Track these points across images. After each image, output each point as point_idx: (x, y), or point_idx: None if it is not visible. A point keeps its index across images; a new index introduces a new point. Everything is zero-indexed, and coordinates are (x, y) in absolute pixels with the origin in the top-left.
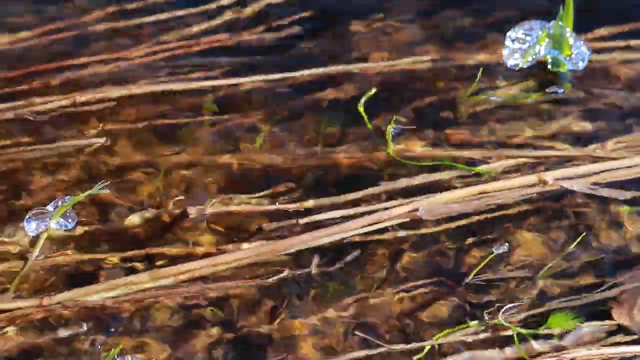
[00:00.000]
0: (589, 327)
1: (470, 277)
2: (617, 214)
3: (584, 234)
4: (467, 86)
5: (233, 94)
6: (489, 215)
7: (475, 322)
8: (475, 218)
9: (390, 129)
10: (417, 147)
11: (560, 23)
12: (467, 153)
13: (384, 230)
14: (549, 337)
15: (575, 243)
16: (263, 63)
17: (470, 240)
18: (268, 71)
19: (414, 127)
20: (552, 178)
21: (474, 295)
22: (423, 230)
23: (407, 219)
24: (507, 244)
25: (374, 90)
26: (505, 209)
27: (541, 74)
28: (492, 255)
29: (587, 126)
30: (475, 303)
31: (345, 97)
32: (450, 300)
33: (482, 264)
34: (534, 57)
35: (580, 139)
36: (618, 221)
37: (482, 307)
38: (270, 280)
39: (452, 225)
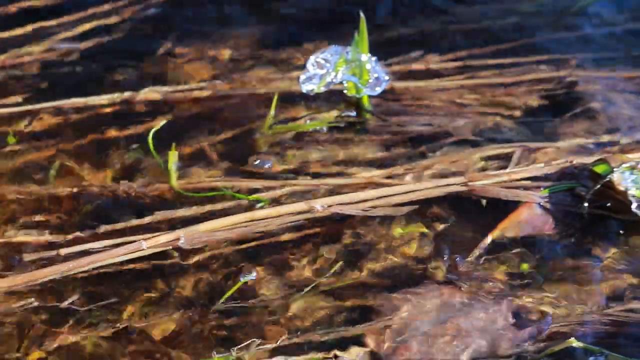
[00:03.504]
0: (344, 354)
1: (219, 303)
2: (392, 239)
3: (340, 262)
4: (268, 113)
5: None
6: (257, 243)
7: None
8: (244, 245)
9: (173, 161)
10: (205, 178)
11: (356, 49)
12: (255, 182)
13: (148, 258)
14: None
15: (335, 267)
16: (71, 89)
17: (234, 267)
18: (74, 97)
19: (209, 155)
20: (324, 204)
21: (226, 322)
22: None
23: (170, 247)
24: (254, 271)
25: (163, 122)
26: (274, 236)
27: (342, 100)
28: (239, 283)
29: (381, 152)
30: (228, 331)
31: (152, 126)
32: (200, 327)
33: (231, 291)
34: (330, 82)
35: (373, 165)
36: (393, 246)
37: (232, 335)
38: (21, 311)
39: (218, 252)
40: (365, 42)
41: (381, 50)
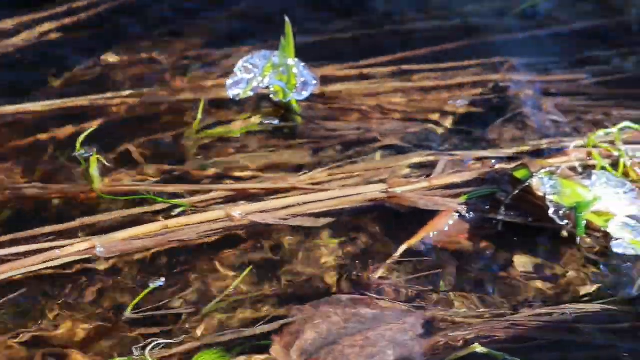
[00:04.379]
0: None
1: (129, 310)
2: (310, 247)
3: (250, 267)
4: (201, 118)
5: None
6: (174, 250)
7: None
8: (161, 252)
9: (95, 165)
10: (130, 182)
11: (282, 53)
12: (179, 187)
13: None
14: None
15: (248, 276)
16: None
17: (148, 274)
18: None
19: (137, 160)
20: (243, 212)
21: (136, 330)
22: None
23: (86, 256)
24: (163, 278)
25: (92, 128)
26: (191, 243)
27: (271, 104)
28: (147, 290)
29: (308, 157)
30: (137, 339)
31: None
32: (114, 334)
33: (138, 298)
34: (257, 87)
35: (299, 170)
36: (309, 254)
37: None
38: None
39: (134, 258)
40: (291, 46)
41: (315, 53)
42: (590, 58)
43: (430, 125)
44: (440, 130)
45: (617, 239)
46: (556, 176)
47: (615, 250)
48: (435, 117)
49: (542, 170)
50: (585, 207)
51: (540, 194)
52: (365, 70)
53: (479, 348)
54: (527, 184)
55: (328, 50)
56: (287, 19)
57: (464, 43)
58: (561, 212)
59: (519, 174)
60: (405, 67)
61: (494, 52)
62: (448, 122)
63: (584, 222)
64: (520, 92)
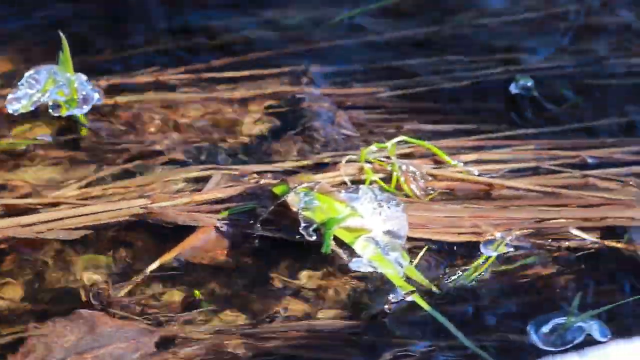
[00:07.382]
0: None
1: None
2: (67, 260)
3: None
4: None
5: None
6: None
7: None
8: None
9: None
10: None
11: (62, 68)
12: None
13: None
14: None
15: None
16: None
17: None
18: None
19: None
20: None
21: None
22: None
23: None
24: None
25: None
26: None
27: (55, 119)
28: None
29: (87, 172)
30: None
31: None
32: None
33: None
34: (38, 101)
35: (73, 185)
36: (58, 270)
37: None
38: None
39: None
40: (69, 61)
41: (108, 64)
42: (398, 70)
43: (219, 138)
44: (227, 144)
45: (357, 256)
46: (314, 192)
47: (351, 267)
48: (226, 129)
49: (301, 186)
50: (334, 223)
51: (295, 209)
52: (163, 79)
53: None
54: (284, 199)
55: (125, 60)
56: (61, 34)
57: (271, 53)
58: (312, 228)
59: (278, 190)
60: (206, 75)
61: (299, 63)
62: (238, 135)
63: (332, 238)
64: (316, 104)
